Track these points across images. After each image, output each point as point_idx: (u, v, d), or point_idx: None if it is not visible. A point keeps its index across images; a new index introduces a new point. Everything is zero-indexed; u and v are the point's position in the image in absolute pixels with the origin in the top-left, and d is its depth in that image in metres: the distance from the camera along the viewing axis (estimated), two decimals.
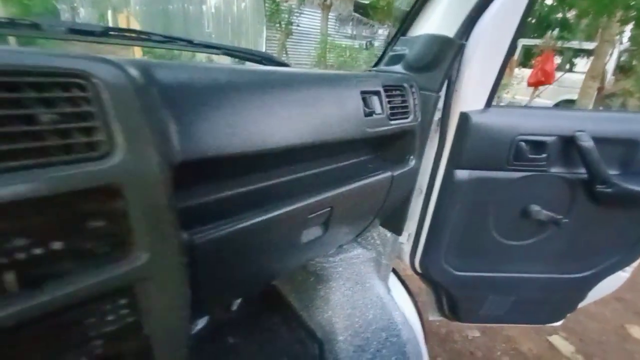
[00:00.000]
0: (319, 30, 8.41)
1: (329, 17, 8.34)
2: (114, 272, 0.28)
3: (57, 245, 0.25)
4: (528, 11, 0.72)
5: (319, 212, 0.57)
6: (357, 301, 0.95)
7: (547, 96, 6.44)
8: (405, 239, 1.01)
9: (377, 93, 0.64)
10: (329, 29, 8.23)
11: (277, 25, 8.20)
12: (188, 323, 0.35)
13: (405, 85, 0.71)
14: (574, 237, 0.97)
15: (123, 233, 0.28)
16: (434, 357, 1.56)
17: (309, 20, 8.86)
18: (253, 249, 0.48)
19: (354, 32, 10.39)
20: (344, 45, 7.92)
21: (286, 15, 8.01)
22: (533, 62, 6.35)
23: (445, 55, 0.71)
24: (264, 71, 0.50)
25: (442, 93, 0.79)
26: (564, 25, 6.08)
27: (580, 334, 1.75)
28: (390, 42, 0.82)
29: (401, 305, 1.00)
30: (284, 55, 8.36)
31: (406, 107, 0.70)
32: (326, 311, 0.97)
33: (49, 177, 0.24)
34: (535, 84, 5.55)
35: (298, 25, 8.42)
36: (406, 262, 1.07)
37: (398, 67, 0.78)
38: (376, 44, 10.52)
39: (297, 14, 8.16)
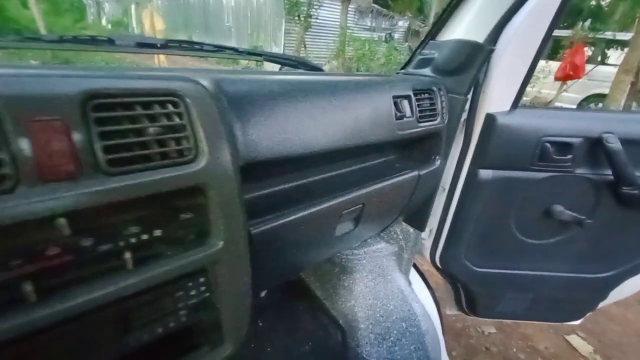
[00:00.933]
0: (338, 23, 8.33)
1: (349, 9, 8.24)
2: (197, 256, 0.34)
3: (158, 232, 0.32)
4: (557, 16, 0.73)
5: (352, 208, 0.62)
6: (379, 292, 1.01)
7: (576, 90, 6.15)
8: (427, 235, 1.05)
9: (407, 97, 0.68)
10: (348, 21, 8.14)
11: (296, 18, 8.19)
12: (250, 300, 0.42)
13: (434, 88, 0.74)
14: (597, 237, 0.98)
15: (204, 224, 0.34)
16: (449, 351, 1.59)
17: (328, 13, 8.79)
18: (295, 239, 0.54)
19: (373, 24, 10.22)
20: (363, 38, 7.83)
21: (305, 8, 7.98)
22: (561, 54, 6.08)
23: (474, 60, 0.73)
24: (310, 80, 0.55)
25: (469, 95, 0.81)
26: (597, 14, 5.76)
27: (599, 335, 1.74)
28: (420, 45, 0.85)
29: (421, 298, 1.05)
30: (303, 48, 8.35)
31: (434, 109, 0.74)
32: (349, 301, 1.03)
33: (155, 179, 0.30)
34: (563, 78, 5.32)
35: (317, 18, 8.38)
36: (426, 258, 1.11)
37: (427, 70, 0.81)
38: (396, 36, 10.31)
39: (316, 7, 8.11)
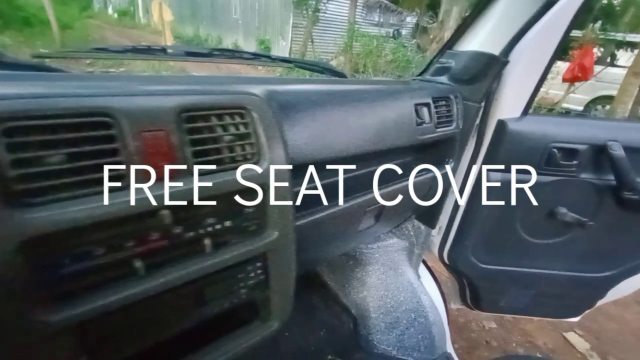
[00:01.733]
0: (346, 18, 8.29)
1: (357, 3, 8.19)
2: (258, 244, 0.41)
3: (228, 223, 0.38)
4: (569, 30, 0.78)
5: (374, 206, 0.68)
6: (390, 284, 1.07)
7: (584, 92, 6.13)
8: (436, 232, 1.11)
9: (427, 105, 0.73)
10: (355, 16, 8.10)
11: (304, 11, 8.16)
12: (294, 283, 0.48)
13: (451, 96, 0.79)
14: (598, 239, 1.04)
15: (263, 217, 0.41)
16: (451, 343, 1.67)
17: (336, 7, 8.74)
18: (326, 232, 0.61)
19: (381, 20, 10.15)
20: (370, 34, 7.80)
21: (313, 2, 7.95)
22: (571, 55, 6.04)
23: (489, 71, 0.78)
24: (343, 90, 0.61)
25: (482, 103, 0.87)
26: (609, 14, 5.71)
27: (596, 333, 1.80)
28: (437, 54, 0.90)
29: (429, 291, 1.12)
30: (310, 43, 8.33)
31: (450, 116, 0.79)
32: (361, 292, 1.10)
33: (228, 179, 0.37)
34: (571, 79, 5.31)
35: (325, 12, 8.34)
36: (435, 254, 1.18)
37: (444, 78, 0.86)
38: (403, 32, 10.23)
39: (325, 1, 8.07)
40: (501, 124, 0.89)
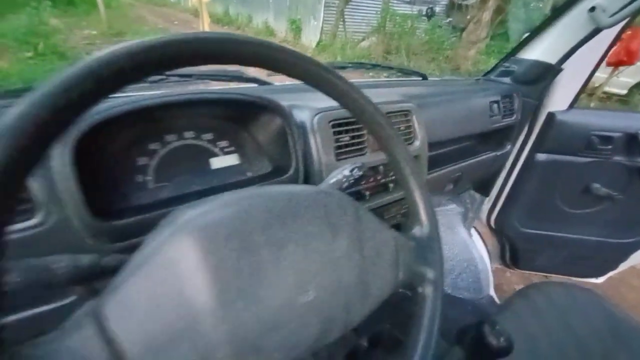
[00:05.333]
0: None
1: None
2: (400, 194, 0.71)
3: (383, 181, 0.68)
4: (613, 44, 0.99)
5: (455, 175, 0.97)
6: (448, 240, 1.37)
7: (629, 74, 5.87)
8: (487, 202, 1.39)
9: (497, 102, 0.99)
10: None
11: None
12: None
13: (514, 95, 1.04)
14: (624, 210, 1.27)
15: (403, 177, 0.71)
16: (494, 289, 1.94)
17: None
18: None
19: None
20: (402, 13, 7.68)
21: None
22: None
23: (546, 77, 1.02)
24: (444, 91, 0.89)
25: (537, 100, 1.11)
26: None
27: (617, 301, 2.02)
28: (502, 59, 1.14)
29: (478, 248, 1.41)
30: (342, 23, 8.30)
31: (512, 110, 1.05)
32: None
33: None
34: (615, 63, 5.08)
35: None
36: (483, 219, 1.45)
37: (507, 80, 1.10)
38: (436, 9, 9.88)
39: None
40: (550, 116, 1.13)
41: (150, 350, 0.21)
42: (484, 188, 1.31)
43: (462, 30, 7.49)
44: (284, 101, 0.54)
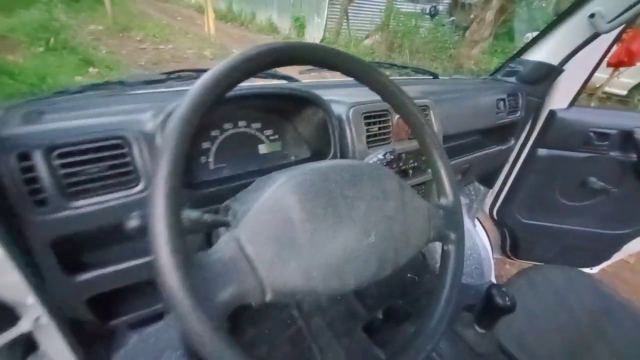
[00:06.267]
0: None
1: None
2: (414, 181, 0.79)
3: (404, 167, 0.77)
4: (611, 47, 1.08)
5: (464, 166, 1.06)
6: None
7: (630, 76, 5.94)
8: (490, 194, 1.48)
9: (503, 99, 1.08)
10: None
11: None
12: None
13: (519, 93, 1.13)
14: (618, 203, 1.35)
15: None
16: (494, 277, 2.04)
17: None
18: None
19: None
20: (409, 13, 7.74)
21: None
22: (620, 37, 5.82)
23: (548, 77, 1.11)
24: (457, 89, 0.97)
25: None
26: None
27: None
28: (509, 60, 1.22)
29: (481, 237, 1.50)
30: (345, 20, 8.35)
31: (517, 107, 1.14)
32: None
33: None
34: (615, 64, 5.17)
35: None
36: (486, 211, 1.54)
37: (513, 79, 1.19)
38: (439, 8, 9.91)
39: None
40: (552, 113, 1.21)
41: (271, 262, 0.30)
42: (488, 180, 1.40)
43: (465, 29, 7.54)
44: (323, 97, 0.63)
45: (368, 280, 0.36)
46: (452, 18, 9.03)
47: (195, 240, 0.51)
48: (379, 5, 8.33)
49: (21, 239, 0.41)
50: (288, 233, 0.32)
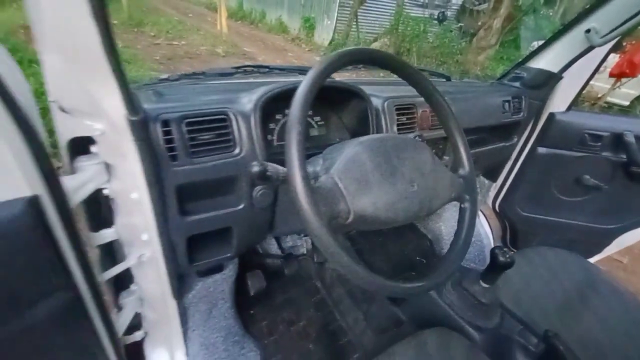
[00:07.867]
0: None
1: None
2: (443, 162, 0.95)
3: (434, 151, 0.92)
4: (607, 56, 1.22)
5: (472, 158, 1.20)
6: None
7: (632, 87, 6.06)
8: (493, 187, 1.62)
9: (508, 101, 1.23)
10: None
11: None
12: None
13: (523, 96, 1.28)
14: (610, 199, 1.49)
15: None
16: None
17: None
18: None
19: (426, 0, 10.05)
20: (414, 16, 7.90)
21: None
22: (624, 45, 5.94)
23: (549, 83, 1.26)
24: (469, 89, 1.12)
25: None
26: None
27: None
28: (514, 67, 1.37)
29: (484, 227, 1.64)
30: (354, 23, 8.51)
31: (521, 108, 1.28)
32: (437, 222, 1.65)
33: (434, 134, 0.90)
34: (618, 75, 5.32)
35: None
36: (489, 203, 1.69)
37: (517, 84, 1.34)
38: (448, 14, 10.06)
39: None
40: (551, 116, 1.36)
41: (354, 194, 0.46)
42: (492, 174, 1.54)
43: (473, 35, 7.69)
44: None
45: (412, 218, 0.51)
46: (460, 24, 9.18)
47: (268, 194, 0.66)
48: (388, 9, 8.48)
49: (160, 183, 0.56)
50: (364, 177, 0.48)
